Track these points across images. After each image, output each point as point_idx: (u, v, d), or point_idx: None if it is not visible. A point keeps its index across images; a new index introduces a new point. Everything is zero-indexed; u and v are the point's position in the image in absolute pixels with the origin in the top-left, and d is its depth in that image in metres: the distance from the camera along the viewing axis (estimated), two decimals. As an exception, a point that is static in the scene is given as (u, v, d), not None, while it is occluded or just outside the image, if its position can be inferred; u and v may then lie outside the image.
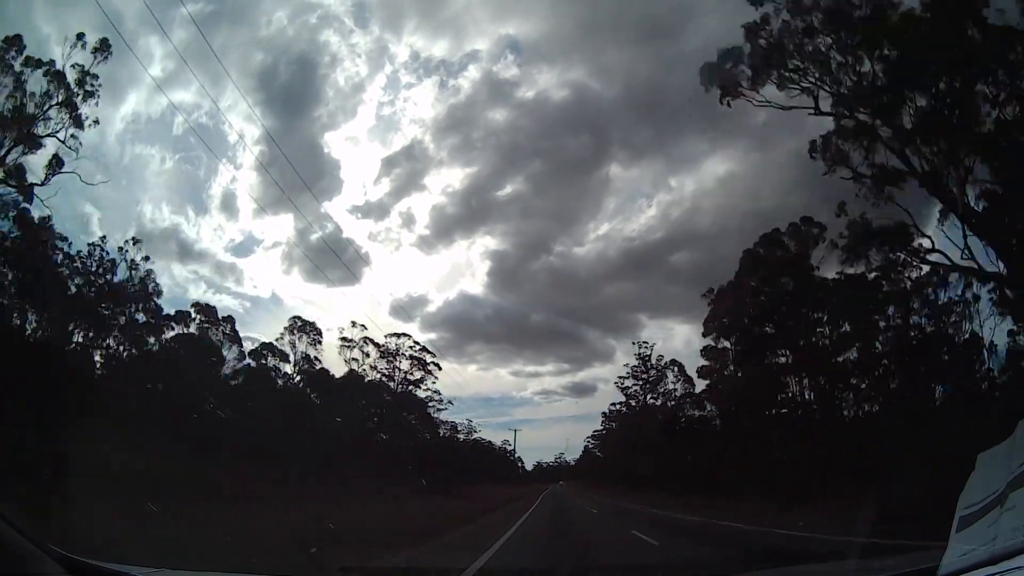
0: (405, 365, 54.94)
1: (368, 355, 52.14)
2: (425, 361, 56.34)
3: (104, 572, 2.57)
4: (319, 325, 47.71)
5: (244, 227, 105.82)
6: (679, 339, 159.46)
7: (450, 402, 60.09)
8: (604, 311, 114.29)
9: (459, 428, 72.80)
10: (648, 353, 63.37)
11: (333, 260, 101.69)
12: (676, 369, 60.24)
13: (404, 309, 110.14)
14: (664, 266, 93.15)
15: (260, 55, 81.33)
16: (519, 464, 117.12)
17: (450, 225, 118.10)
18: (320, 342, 47.06)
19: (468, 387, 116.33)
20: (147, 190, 77.39)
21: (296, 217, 75.38)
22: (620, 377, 65.02)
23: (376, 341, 53.05)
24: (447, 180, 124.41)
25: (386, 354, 53.81)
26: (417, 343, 56.37)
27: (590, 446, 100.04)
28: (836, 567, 5.70)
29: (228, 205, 71.36)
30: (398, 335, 55.16)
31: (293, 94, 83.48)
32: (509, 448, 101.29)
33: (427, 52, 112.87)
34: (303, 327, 46.53)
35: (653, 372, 62.61)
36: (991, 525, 2.24)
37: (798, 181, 67.68)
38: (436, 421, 61.66)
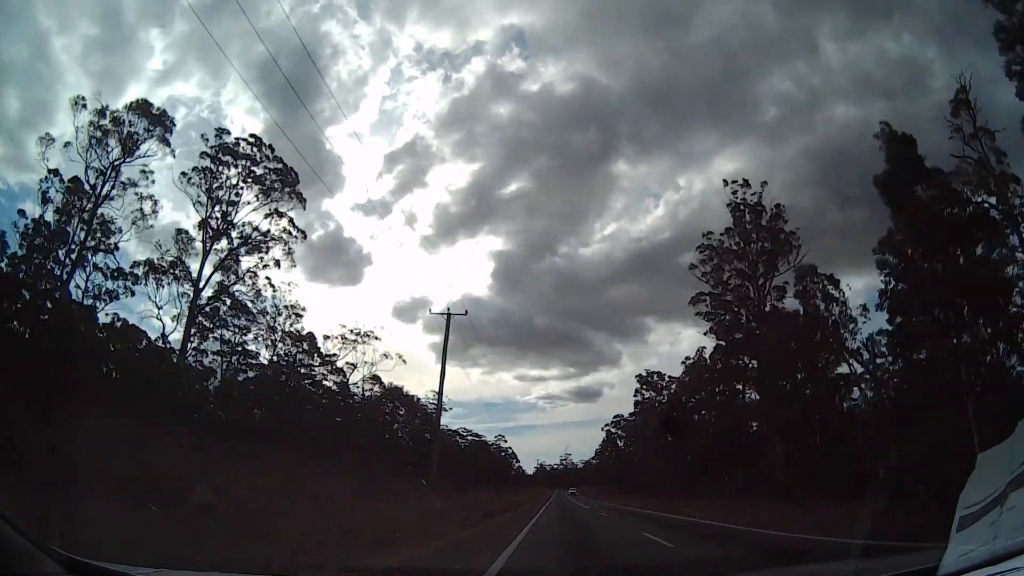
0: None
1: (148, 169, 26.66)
2: (268, 183, 29.07)
3: (104, 572, 2.57)
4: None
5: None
6: (688, 343, 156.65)
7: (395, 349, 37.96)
8: (610, 314, 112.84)
9: (420, 403, 52.21)
10: (754, 200, 33.78)
11: (335, 259, 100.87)
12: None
13: (406, 310, 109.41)
14: (672, 268, 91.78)
15: (260, 47, 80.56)
16: (514, 461, 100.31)
17: (453, 224, 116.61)
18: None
19: (471, 391, 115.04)
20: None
21: (297, 214, 74.48)
22: (701, 249, 35.88)
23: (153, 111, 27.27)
24: (450, 177, 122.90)
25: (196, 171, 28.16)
26: (272, 155, 29.48)
27: (613, 432, 79.38)
28: (836, 567, 5.71)
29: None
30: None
31: (294, 87, 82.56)
32: (504, 445, 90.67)
33: (430, 43, 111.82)
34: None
35: (766, 236, 33.22)
36: (991, 525, 2.24)
37: (808, 179, 67.75)
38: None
